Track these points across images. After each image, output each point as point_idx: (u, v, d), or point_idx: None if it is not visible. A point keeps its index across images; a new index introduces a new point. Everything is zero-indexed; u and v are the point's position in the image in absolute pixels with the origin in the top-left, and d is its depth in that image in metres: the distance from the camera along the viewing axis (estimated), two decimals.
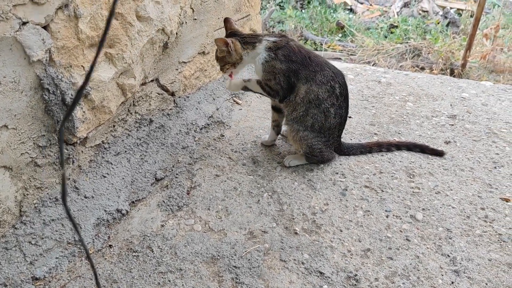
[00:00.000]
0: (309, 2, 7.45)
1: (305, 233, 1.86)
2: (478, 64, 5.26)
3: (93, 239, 1.79)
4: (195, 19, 2.45)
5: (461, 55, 5.29)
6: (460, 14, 6.92)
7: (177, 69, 2.42)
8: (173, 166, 2.23)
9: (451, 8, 7.19)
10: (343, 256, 1.76)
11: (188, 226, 1.89)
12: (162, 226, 1.89)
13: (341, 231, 1.88)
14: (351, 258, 1.75)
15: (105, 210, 1.89)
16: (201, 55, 2.62)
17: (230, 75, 2.20)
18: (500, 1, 5.41)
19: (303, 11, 7.26)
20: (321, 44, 6.17)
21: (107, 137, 2.03)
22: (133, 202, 2.01)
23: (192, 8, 2.39)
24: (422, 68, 5.47)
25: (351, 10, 7.59)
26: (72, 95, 1.70)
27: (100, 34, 1.78)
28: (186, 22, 2.36)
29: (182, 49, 2.41)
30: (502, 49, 5.62)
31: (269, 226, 1.89)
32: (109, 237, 1.84)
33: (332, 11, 7.28)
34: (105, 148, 2.02)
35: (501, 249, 1.78)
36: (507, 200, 2.03)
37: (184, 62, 2.47)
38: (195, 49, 2.53)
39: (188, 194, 2.06)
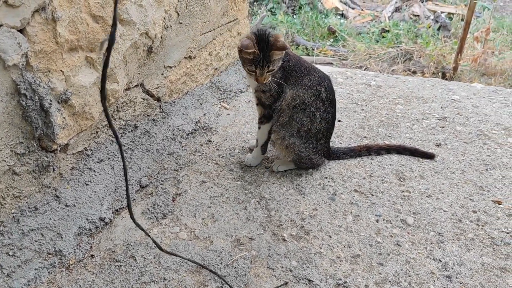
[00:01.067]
0: (300, 8, 7.45)
1: (294, 240, 1.81)
2: (470, 67, 5.26)
3: (74, 249, 1.73)
4: (181, 22, 2.41)
5: (452, 58, 5.29)
6: (451, 18, 6.95)
7: (162, 74, 2.38)
8: (158, 173, 2.18)
9: (442, 12, 7.21)
10: (332, 262, 1.71)
11: (173, 234, 1.83)
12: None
13: (330, 236, 1.83)
14: (341, 264, 1.71)
15: (87, 219, 1.83)
16: (188, 59, 2.57)
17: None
18: (490, 4, 5.41)
19: (294, 16, 7.25)
20: (313, 49, 6.16)
21: (89, 144, 1.98)
22: (116, 210, 1.96)
23: (177, 12, 2.35)
24: (414, 72, 5.46)
25: (342, 15, 7.60)
26: (51, 100, 1.65)
27: (80, 38, 1.74)
28: (171, 26, 2.32)
29: (168, 53, 2.37)
30: (493, 52, 5.63)
31: (257, 233, 1.84)
32: (91, 247, 1.78)
33: (323, 16, 7.29)
34: (87, 155, 1.97)
35: (494, 253, 1.74)
36: (499, 203, 1.99)
37: (170, 67, 2.43)
38: (181, 54, 2.49)
39: (173, 201, 2.01)
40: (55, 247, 1.69)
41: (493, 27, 6.15)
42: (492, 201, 2.01)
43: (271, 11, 7.42)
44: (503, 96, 3.00)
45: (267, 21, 6.88)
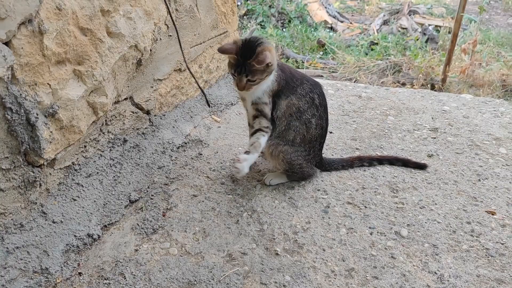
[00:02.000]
0: (289, 21, 7.50)
1: (287, 254, 1.78)
2: (458, 78, 5.31)
3: (61, 267, 1.68)
4: (170, 35, 2.39)
5: (441, 70, 5.33)
6: (438, 31, 7.04)
7: (152, 87, 2.35)
8: (148, 187, 2.14)
9: (429, 25, 7.31)
10: (326, 276, 1.67)
11: (164, 250, 1.79)
12: (136, 250, 1.79)
13: (324, 250, 1.80)
14: (335, 278, 1.67)
15: (75, 235, 1.78)
16: (177, 72, 2.55)
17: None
18: (476, 17, 5.49)
19: (284, 30, 7.29)
20: (303, 62, 6.18)
21: (77, 158, 1.94)
22: (105, 226, 1.91)
23: (166, 25, 2.33)
24: (403, 84, 5.50)
25: (331, 28, 7.66)
26: (37, 114, 1.61)
27: (68, 51, 1.71)
28: (160, 39, 2.31)
29: (157, 66, 2.35)
30: (480, 63, 5.69)
31: (249, 247, 1.80)
32: (79, 264, 1.73)
33: (312, 29, 7.34)
34: (75, 170, 1.92)
35: (489, 264, 1.72)
36: (492, 213, 1.98)
37: (160, 80, 2.41)
38: (171, 66, 2.47)
39: (163, 216, 1.97)
40: (41, 265, 1.63)
41: (479, 39, 6.23)
42: (485, 211, 1.99)
43: (260, 25, 7.46)
44: (492, 107, 3.02)
45: (257, 34, 6.90)
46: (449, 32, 6.19)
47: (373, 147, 2.50)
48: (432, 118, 2.85)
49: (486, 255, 1.77)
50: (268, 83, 1.95)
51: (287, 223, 1.93)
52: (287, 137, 2.05)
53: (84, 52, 1.79)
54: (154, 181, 2.18)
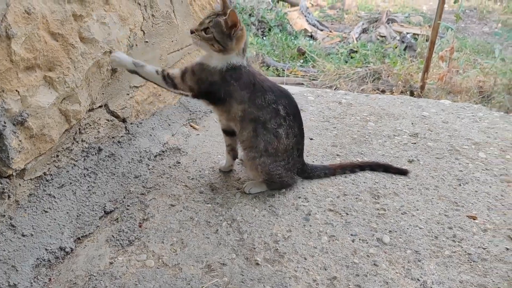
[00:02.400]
0: (270, 30, 7.51)
1: (267, 263, 1.73)
2: (436, 85, 5.37)
3: (31, 283, 1.59)
4: (147, 41, 2.34)
5: (419, 77, 5.39)
6: (416, 39, 7.13)
7: (128, 94, 2.29)
8: (124, 197, 2.07)
9: (407, 33, 7.41)
10: (308, 286, 1.63)
11: (140, 262, 1.72)
12: (111, 263, 1.71)
13: (305, 259, 1.76)
14: None
15: (46, 249, 1.70)
16: None
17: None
18: (453, 25, 5.58)
19: (264, 38, 7.30)
20: (283, 70, 6.18)
21: (49, 168, 1.86)
22: (78, 238, 1.83)
23: (142, 30, 2.28)
24: (383, 91, 5.53)
25: (311, 36, 7.70)
26: (4, 122, 1.54)
27: (38, 56, 1.64)
28: (136, 45, 2.25)
29: None
30: (457, 70, 5.77)
31: (228, 257, 1.75)
32: (50, 279, 1.64)
33: (293, 38, 7.36)
34: (47, 180, 1.84)
35: (471, 270, 1.70)
36: (473, 218, 1.97)
37: (136, 87, 2.35)
38: None
39: (140, 226, 1.90)
40: (9, 281, 1.55)
41: (456, 47, 6.32)
42: (467, 216, 1.99)
43: None
44: (471, 112, 3.04)
45: None
46: (426, 40, 6.27)
47: (353, 153, 2.48)
48: (412, 123, 2.85)
49: (468, 260, 1.75)
50: (219, 60, 1.94)
51: (267, 232, 1.89)
52: (259, 146, 2.01)
53: (55, 58, 1.73)
54: (130, 191, 2.11)
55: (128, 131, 2.33)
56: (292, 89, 3.24)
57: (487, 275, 1.68)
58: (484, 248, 1.81)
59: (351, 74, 5.95)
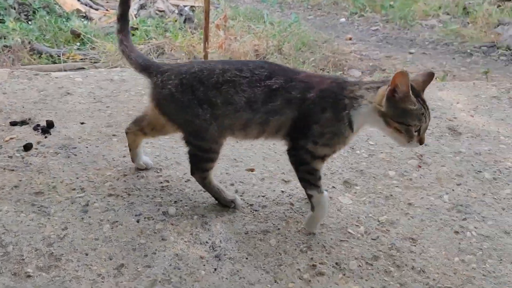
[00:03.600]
0: (34, 12, 6.66)
1: (42, 272, 1.50)
2: (218, 53, 5.57)
3: None
4: None
5: (201, 47, 5.51)
6: (194, 11, 7.26)
7: None
8: None
9: (184, 6, 7.47)
10: (93, 283, 1.47)
11: None
12: None
13: (87, 254, 1.57)
14: (103, 282, 1.48)
15: None
16: None
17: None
18: None
19: (29, 22, 6.45)
20: (59, 56, 5.59)
21: None
22: None
23: None
24: None
25: (86, 17, 7.14)
26: None
27: None
28: None
29: None
30: (235, 37, 6.09)
31: None
32: None
33: (64, 20, 6.69)
34: None
35: (254, 219, 1.78)
36: (252, 170, 2.05)
37: None
38: None
39: None
40: None
41: (230, 15, 6.65)
42: (246, 170, 2.06)
43: None
44: None
45: None
46: (203, 11, 6.42)
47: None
48: None
49: (251, 211, 1.82)
50: None
51: (38, 237, 1.63)
52: None
53: None
54: None
55: None
56: (57, 74, 2.91)
57: (268, 220, 1.77)
58: (263, 196, 1.90)
59: None
